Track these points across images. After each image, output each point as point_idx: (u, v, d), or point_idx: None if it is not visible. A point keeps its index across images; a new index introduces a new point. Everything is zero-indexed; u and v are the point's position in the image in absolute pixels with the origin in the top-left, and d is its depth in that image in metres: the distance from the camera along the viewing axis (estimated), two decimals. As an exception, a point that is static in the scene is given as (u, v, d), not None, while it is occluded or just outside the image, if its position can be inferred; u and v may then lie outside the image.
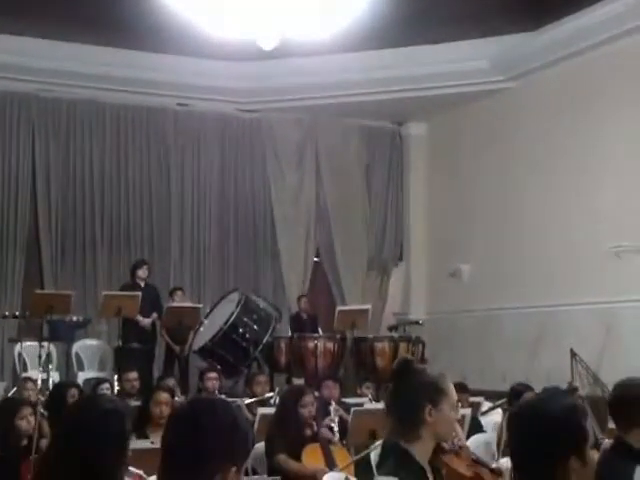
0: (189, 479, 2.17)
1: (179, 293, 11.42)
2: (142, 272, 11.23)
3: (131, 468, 3.54)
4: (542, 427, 2.51)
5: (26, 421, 5.63)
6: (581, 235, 10.94)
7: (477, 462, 3.70)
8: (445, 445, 3.47)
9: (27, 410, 5.73)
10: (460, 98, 12.73)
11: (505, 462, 4.43)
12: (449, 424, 3.22)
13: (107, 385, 8.92)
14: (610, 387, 9.37)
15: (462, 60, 12.12)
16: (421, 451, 3.12)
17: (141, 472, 4.09)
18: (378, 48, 12.31)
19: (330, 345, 11.05)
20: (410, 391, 3.12)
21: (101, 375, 10.65)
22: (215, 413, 2.23)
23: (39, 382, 9.20)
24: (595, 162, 10.85)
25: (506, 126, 12.39)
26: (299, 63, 12.44)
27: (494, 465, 3.62)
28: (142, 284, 11.16)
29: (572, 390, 6.23)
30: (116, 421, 2.88)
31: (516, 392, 7.14)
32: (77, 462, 2.73)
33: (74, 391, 8.22)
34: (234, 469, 2.20)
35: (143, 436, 5.54)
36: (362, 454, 6.18)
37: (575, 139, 11.14)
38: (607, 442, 4.47)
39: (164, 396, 5.88)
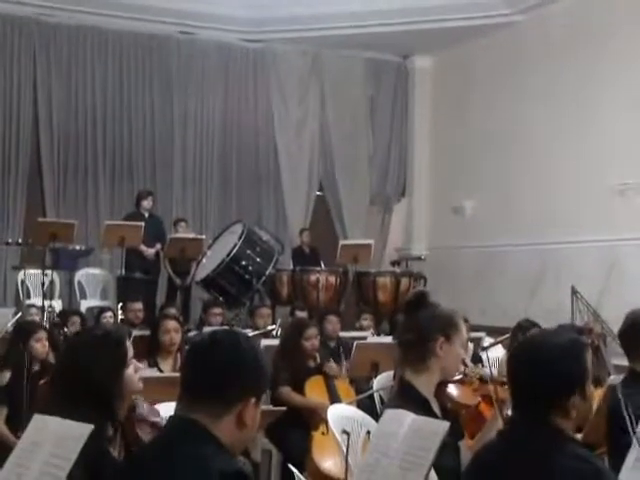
0: (209, 409, 2.20)
1: (182, 224, 11.40)
2: (147, 203, 11.22)
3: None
4: (549, 360, 2.47)
5: (41, 344, 5.68)
6: (586, 172, 10.89)
7: (487, 380, 3.72)
8: None
9: (43, 334, 5.78)
10: (467, 31, 12.54)
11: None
12: (457, 360, 3.25)
13: (110, 314, 8.95)
14: (610, 325, 9.47)
15: (469, -8, 11.94)
16: (426, 384, 3.15)
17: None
18: (385, -21, 12.12)
19: (332, 279, 11.08)
20: (424, 322, 3.14)
21: (103, 304, 10.69)
22: (236, 345, 2.25)
23: (46, 309, 9.27)
24: (603, 98, 10.74)
25: (513, 60, 12.23)
26: (304, -7, 12.26)
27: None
28: (146, 214, 11.15)
29: (588, 330, 6.21)
30: (109, 344, 3.00)
31: (522, 328, 7.14)
32: (77, 382, 2.87)
33: (76, 319, 8.32)
34: (253, 400, 2.23)
35: (154, 364, 5.61)
36: (367, 394, 6.25)
37: (582, 75, 11.01)
38: (614, 378, 4.47)
39: (172, 324, 5.89)
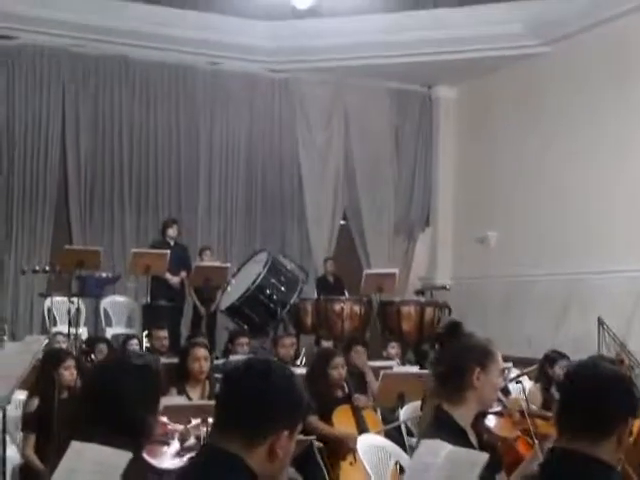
0: (242, 440, 2.16)
1: (208, 252, 11.44)
2: (172, 231, 11.26)
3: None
4: (606, 389, 2.43)
5: (69, 372, 5.69)
6: (612, 202, 10.83)
7: (528, 414, 3.67)
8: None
9: (71, 361, 5.79)
10: (492, 62, 12.57)
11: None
12: (494, 390, 3.22)
13: (136, 341, 8.99)
14: (638, 357, 9.34)
15: (495, 23, 11.96)
16: (463, 414, 3.12)
17: (165, 419, 4.16)
18: (410, 9, 12.18)
19: (357, 308, 11.05)
20: (459, 353, 3.11)
21: (129, 331, 10.72)
22: (270, 376, 2.22)
23: (72, 337, 9.30)
24: (630, 128, 10.70)
25: (539, 91, 12.23)
26: (329, 24, 12.33)
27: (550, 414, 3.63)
28: (172, 242, 11.20)
29: (619, 361, 6.20)
30: (149, 375, 2.99)
31: (550, 359, 7.13)
32: (111, 411, 2.84)
33: (103, 346, 8.33)
34: (286, 433, 2.19)
35: (183, 392, 5.61)
36: (394, 424, 6.23)
37: (611, 105, 10.97)
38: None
39: (202, 351, 5.93)
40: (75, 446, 2.67)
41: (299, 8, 10.85)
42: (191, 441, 4.33)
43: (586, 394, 2.45)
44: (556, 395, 6.85)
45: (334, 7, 11.46)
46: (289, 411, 2.22)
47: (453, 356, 3.11)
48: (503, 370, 3.26)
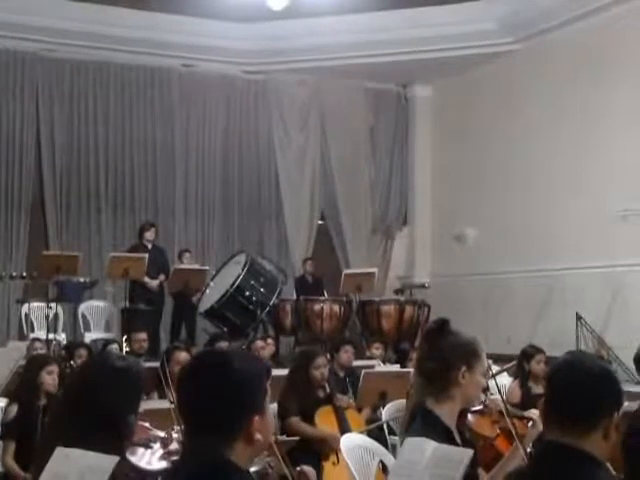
0: (220, 440, 2.12)
1: (187, 255, 11.43)
2: (149, 234, 11.20)
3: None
4: (594, 381, 2.43)
5: (52, 377, 5.65)
6: (588, 199, 10.92)
7: (506, 413, 3.69)
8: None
9: (54, 367, 5.74)
10: (466, 60, 12.63)
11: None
12: (478, 389, 3.22)
13: (115, 346, 8.92)
14: (616, 351, 9.40)
15: (468, 22, 12.02)
16: (449, 412, 3.12)
17: (147, 424, 4.15)
18: (384, 9, 12.20)
19: (336, 308, 11.06)
20: (446, 351, 3.11)
21: (107, 336, 10.67)
22: (227, 365, 2.16)
23: (52, 343, 9.24)
24: (603, 126, 10.81)
25: (513, 89, 12.31)
26: (304, 24, 12.34)
27: (526, 413, 3.64)
28: (149, 246, 11.15)
29: (599, 357, 6.26)
30: (131, 376, 2.99)
31: (527, 354, 7.18)
32: (94, 413, 2.83)
33: (82, 352, 8.27)
34: (257, 417, 2.15)
35: (164, 396, 5.59)
36: (376, 424, 6.23)
37: (583, 102, 11.08)
38: (628, 405, 4.43)
39: (183, 355, 5.93)
40: (61, 451, 2.65)
41: (274, 9, 10.82)
42: (174, 445, 4.30)
43: (571, 388, 2.46)
44: (534, 389, 6.94)
45: (308, 8, 11.46)
46: (254, 394, 2.18)
47: (440, 354, 3.11)
48: (488, 369, 3.27)
